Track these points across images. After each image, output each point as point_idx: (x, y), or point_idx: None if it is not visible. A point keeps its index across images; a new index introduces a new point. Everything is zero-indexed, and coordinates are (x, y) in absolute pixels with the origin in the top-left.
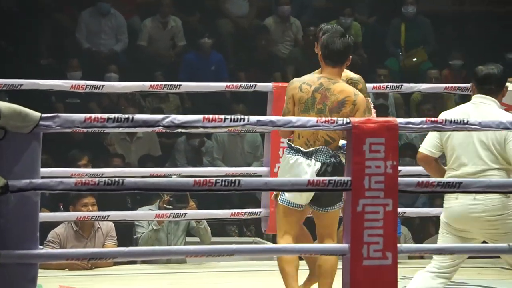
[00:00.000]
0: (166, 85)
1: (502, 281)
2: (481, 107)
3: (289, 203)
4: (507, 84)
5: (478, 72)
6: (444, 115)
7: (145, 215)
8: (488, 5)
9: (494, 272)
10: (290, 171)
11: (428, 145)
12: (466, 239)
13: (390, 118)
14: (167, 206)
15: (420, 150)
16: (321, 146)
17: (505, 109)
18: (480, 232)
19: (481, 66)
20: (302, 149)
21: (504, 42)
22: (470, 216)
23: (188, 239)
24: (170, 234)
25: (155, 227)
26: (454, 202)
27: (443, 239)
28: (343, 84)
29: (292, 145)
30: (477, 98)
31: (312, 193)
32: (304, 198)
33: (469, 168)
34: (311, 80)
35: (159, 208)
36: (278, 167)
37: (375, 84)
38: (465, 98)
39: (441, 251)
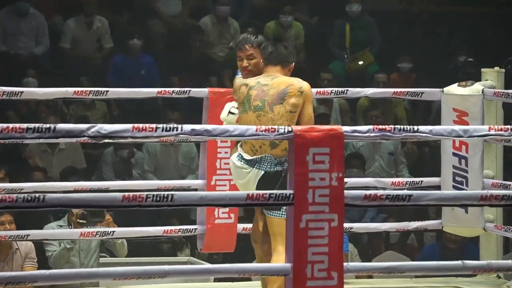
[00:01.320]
0: (92, 91)
1: None
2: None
3: None
4: (457, 87)
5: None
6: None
7: (69, 234)
8: (437, 5)
9: None
10: (234, 175)
11: None
12: None
13: (335, 126)
14: (81, 221)
15: None
16: (265, 154)
17: (457, 115)
18: None
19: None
20: (246, 156)
21: (453, 43)
22: None
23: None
24: (82, 251)
25: (68, 245)
26: None
27: None
28: (284, 77)
29: (240, 148)
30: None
31: None
32: None
33: None
34: (249, 80)
35: (70, 224)
36: (216, 180)
37: (318, 89)
38: (415, 104)
39: (390, 270)
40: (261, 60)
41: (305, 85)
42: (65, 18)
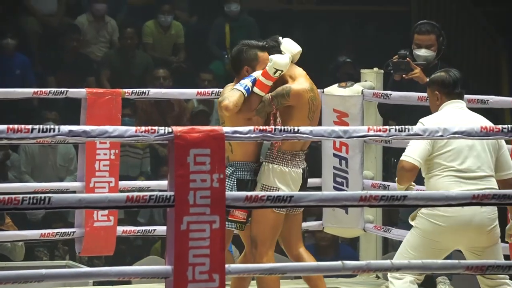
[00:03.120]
0: None
1: None
2: (464, 111)
3: None
4: (337, 88)
5: (445, 79)
6: (425, 120)
7: None
8: (317, 4)
9: None
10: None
11: (419, 155)
12: (442, 251)
13: (216, 127)
14: None
15: (409, 160)
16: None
17: (337, 116)
18: (470, 244)
19: (441, 72)
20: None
21: (334, 43)
22: (475, 225)
23: None
24: None
25: None
26: (460, 210)
27: (422, 248)
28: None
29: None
30: (455, 104)
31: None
32: None
33: (473, 173)
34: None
35: None
36: (94, 182)
37: (199, 90)
38: None
39: (272, 271)
40: None
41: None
42: None
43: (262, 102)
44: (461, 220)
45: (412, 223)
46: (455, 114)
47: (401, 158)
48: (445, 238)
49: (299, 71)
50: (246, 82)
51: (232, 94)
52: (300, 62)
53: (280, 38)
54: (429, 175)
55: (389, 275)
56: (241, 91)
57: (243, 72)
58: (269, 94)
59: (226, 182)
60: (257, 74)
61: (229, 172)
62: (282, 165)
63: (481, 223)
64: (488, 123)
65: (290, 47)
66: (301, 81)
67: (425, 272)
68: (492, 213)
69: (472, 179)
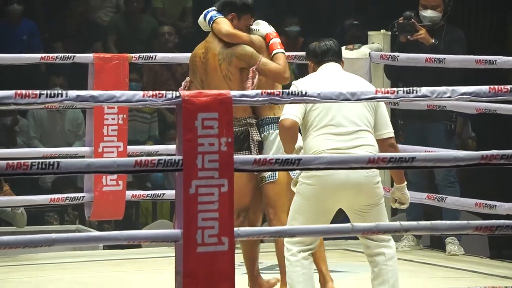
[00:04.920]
0: None
1: (346, 263)
2: (339, 72)
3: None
4: (344, 51)
5: (315, 49)
6: (300, 83)
7: None
8: None
9: (337, 254)
10: None
11: (296, 112)
12: (325, 212)
13: (223, 91)
14: None
15: (286, 117)
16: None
17: None
18: (350, 203)
19: (314, 42)
20: None
21: (340, 5)
22: (351, 183)
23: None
24: None
25: None
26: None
27: (305, 212)
28: None
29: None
30: (327, 66)
31: None
32: None
33: (344, 128)
34: None
35: None
36: (103, 147)
37: None
38: (303, 67)
39: (281, 234)
40: None
41: None
42: None
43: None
44: (335, 179)
45: (294, 189)
46: (327, 74)
47: (280, 119)
48: (322, 199)
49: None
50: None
51: (285, 62)
52: (308, 25)
53: None
54: (305, 136)
55: (286, 247)
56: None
57: (228, 17)
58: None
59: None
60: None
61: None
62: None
63: (357, 181)
64: (363, 81)
65: None
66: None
67: (433, 233)
68: (371, 171)
69: (344, 135)
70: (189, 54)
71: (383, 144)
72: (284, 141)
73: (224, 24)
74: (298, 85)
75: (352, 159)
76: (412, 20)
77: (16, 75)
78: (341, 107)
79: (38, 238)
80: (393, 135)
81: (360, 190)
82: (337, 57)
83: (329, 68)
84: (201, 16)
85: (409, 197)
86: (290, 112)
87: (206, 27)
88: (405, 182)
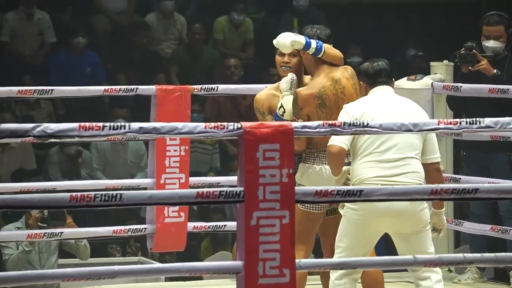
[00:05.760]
0: (37, 90)
1: None
2: (391, 96)
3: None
4: (406, 81)
5: (367, 69)
6: (349, 106)
7: (17, 235)
8: None
9: (400, 287)
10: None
11: (343, 138)
12: (369, 237)
13: (284, 122)
14: (41, 225)
15: (334, 143)
16: None
17: None
18: (394, 229)
19: (366, 62)
20: None
21: (403, 36)
22: (395, 211)
23: (62, 260)
24: (42, 253)
25: (26, 248)
26: None
27: (350, 236)
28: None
29: None
30: (380, 90)
31: None
32: None
33: (391, 156)
34: None
35: (28, 226)
36: (165, 179)
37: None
38: None
39: (342, 266)
40: None
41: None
42: (2, 12)
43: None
44: (379, 205)
45: (341, 211)
46: (380, 99)
47: (328, 144)
48: (366, 224)
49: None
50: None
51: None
52: (370, 54)
53: (315, 27)
54: (353, 161)
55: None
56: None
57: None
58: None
59: None
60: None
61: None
62: (309, 163)
63: (401, 208)
64: (416, 106)
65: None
66: (310, 85)
67: (498, 265)
68: None
69: (389, 162)
70: (251, 86)
71: (428, 168)
72: (332, 166)
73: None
74: (349, 110)
75: (414, 191)
76: (474, 50)
77: (80, 107)
78: (392, 134)
79: (101, 270)
80: (439, 160)
81: (404, 217)
82: (389, 78)
83: (381, 92)
84: (290, 38)
85: (445, 223)
86: (338, 139)
87: (288, 49)
88: (444, 208)
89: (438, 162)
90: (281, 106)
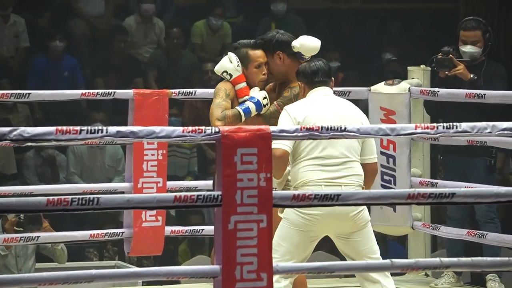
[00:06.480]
0: (14, 93)
1: None
2: (331, 97)
3: None
4: (384, 86)
5: (305, 69)
6: (291, 109)
7: None
8: (363, 2)
9: None
10: None
11: (287, 141)
12: (311, 239)
13: (262, 126)
14: (17, 229)
15: (278, 147)
16: None
17: (384, 114)
18: (336, 231)
19: (304, 63)
20: None
21: (381, 41)
22: (338, 212)
23: (39, 264)
24: (19, 257)
25: (2, 252)
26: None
27: (292, 239)
28: None
29: None
30: (320, 91)
31: None
32: None
33: (334, 160)
34: None
35: (5, 230)
36: (142, 183)
37: None
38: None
39: (320, 270)
40: None
41: None
42: None
43: (270, 112)
44: (323, 209)
45: (281, 215)
46: (320, 101)
47: (272, 147)
48: (311, 228)
49: None
50: (250, 105)
51: (230, 118)
52: (348, 59)
53: (280, 32)
54: (293, 164)
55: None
56: (241, 115)
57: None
58: (276, 103)
59: None
60: (260, 95)
61: None
62: None
63: (344, 210)
64: (354, 108)
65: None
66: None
67: (474, 269)
68: None
69: (333, 166)
70: None
71: (365, 168)
72: (275, 169)
73: None
74: (291, 112)
75: (391, 195)
76: (451, 55)
77: (57, 111)
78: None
79: (78, 274)
80: (376, 161)
81: (346, 218)
82: (327, 77)
83: (321, 93)
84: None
85: None
86: (281, 142)
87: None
88: None
89: (375, 163)
90: (265, 97)
